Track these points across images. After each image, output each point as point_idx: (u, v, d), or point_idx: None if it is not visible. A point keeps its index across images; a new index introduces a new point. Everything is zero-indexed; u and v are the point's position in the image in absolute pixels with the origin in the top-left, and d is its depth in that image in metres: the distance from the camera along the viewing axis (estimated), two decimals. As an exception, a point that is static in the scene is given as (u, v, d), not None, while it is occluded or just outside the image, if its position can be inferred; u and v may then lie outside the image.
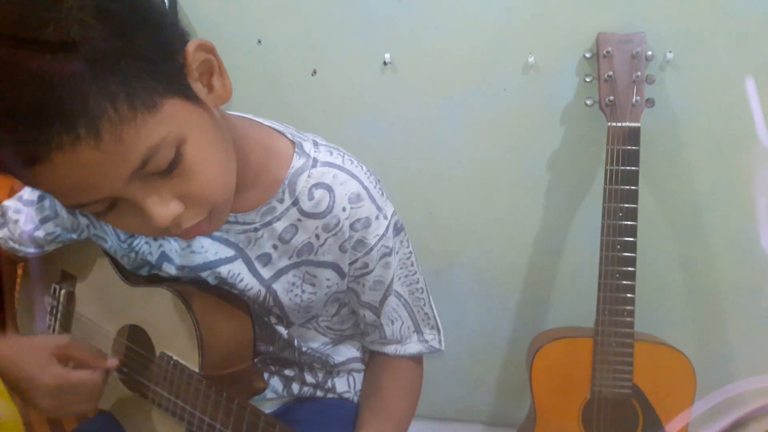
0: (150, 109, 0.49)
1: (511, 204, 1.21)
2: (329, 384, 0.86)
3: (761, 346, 1.25)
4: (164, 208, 0.54)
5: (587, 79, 1.07)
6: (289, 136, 0.71)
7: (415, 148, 1.19)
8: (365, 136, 1.19)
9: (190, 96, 0.54)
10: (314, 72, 1.17)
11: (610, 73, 1.04)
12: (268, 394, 0.83)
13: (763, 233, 1.17)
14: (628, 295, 1.04)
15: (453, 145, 1.19)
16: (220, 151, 0.57)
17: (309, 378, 0.85)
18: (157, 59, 0.51)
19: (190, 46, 0.54)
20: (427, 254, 1.27)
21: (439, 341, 0.82)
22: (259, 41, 1.17)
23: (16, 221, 0.77)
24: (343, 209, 0.70)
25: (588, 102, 1.06)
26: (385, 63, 1.15)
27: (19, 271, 0.87)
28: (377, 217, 0.71)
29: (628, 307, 1.04)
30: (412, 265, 0.79)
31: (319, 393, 0.86)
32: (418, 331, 0.81)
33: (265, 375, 0.82)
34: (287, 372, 0.83)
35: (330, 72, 1.17)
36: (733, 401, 1.28)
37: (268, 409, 0.85)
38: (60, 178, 0.49)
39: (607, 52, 1.04)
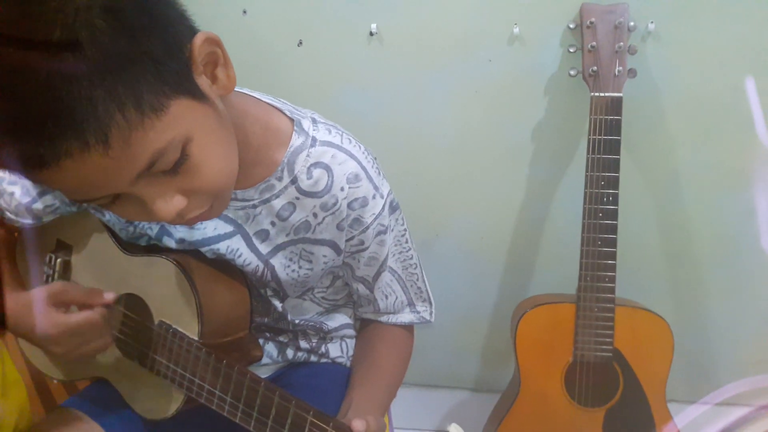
0: (157, 112, 0.49)
1: (496, 174, 1.23)
2: (323, 349, 0.88)
3: (736, 310, 1.29)
4: (168, 203, 0.55)
5: (571, 50, 1.08)
6: (287, 113, 0.71)
7: (401, 119, 1.20)
8: (351, 106, 1.20)
9: (196, 94, 0.54)
10: (300, 42, 1.17)
11: (594, 43, 1.05)
12: (264, 359, 0.85)
13: (740, 201, 1.21)
14: (610, 262, 1.06)
15: (439, 116, 1.20)
16: (223, 145, 0.58)
17: (303, 344, 0.87)
18: (165, 59, 0.50)
19: (197, 40, 0.54)
20: (413, 225, 1.26)
21: (430, 313, 0.85)
22: (245, 11, 1.16)
23: (12, 193, 0.77)
24: (342, 189, 0.71)
25: (572, 72, 1.07)
26: (371, 33, 1.15)
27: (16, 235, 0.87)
28: (374, 197, 0.73)
29: (610, 273, 1.07)
30: (407, 242, 0.81)
31: (313, 358, 0.88)
32: (411, 304, 0.84)
33: (260, 341, 0.84)
34: (281, 338, 0.85)
35: (316, 42, 1.17)
36: (732, 401, 1.33)
37: (263, 373, 0.87)
38: (67, 180, 0.49)
39: (591, 22, 1.05)
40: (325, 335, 0.88)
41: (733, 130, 1.16)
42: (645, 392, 1.11)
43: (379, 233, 0.75)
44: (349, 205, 0.72)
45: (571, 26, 1.08)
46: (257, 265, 0.75)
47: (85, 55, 0.45)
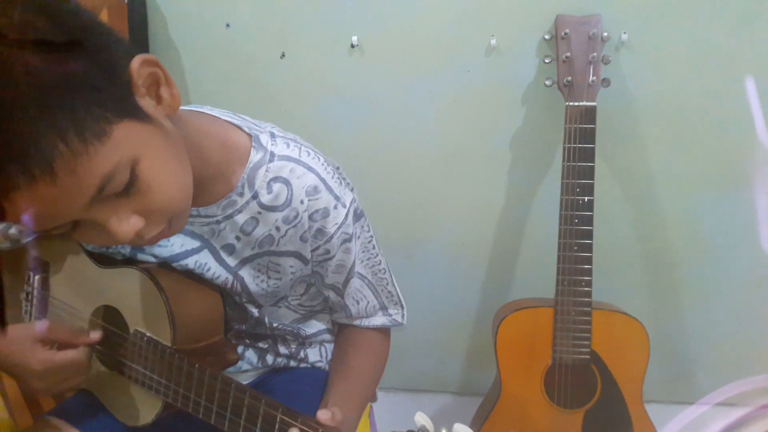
0: (100, 138, 0.50)
1: (476, 182, 1.26)
2: (302, 354, 0.90)
3: (711, 312, 1.32)
4: (125, 225, 0.56)
5: (546, 60, 1.11)
6: (245, 129, 0.72)
7: (382, 129, 1.23)
8: (334, 117, 1.22)
9: (139, 115, 0.55)
10: (283, 55, 1.20)
11: (568, 54, 1.08)
12: (244, 365, 0.87)
13: (714, 205, 1.24)
14: (586, 266, 1.09)
15: (419, 126, 1.22)
16: (173, 163, 0.59)
17: (282, 349, 0.88)
18: (102, 84, 0.51)
19: (135, 63, 0.55)
20: (396, 232, 1.31)
21: (402, 316, 0.87)
22: (228, 25, 1.18)
23: None
24: (301, 202, 0.72)
25: (547, 82, 1.10)
26: (352, 45, 1.17)
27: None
28: (335, 207, 0.74)
29: (586, 278, 1.09)
30: (374, 248, 0.83)
31: (293, 363, 0.90)
32: (383, 308, 0.86)
33: (240, 348, 0.86)
34: (261, 344, 0.87)
35: (298, 55, 1.19)
36: (733, 401, 1.35)
37: (244, 380, 0.89)
38: (19, 211, 0.50)
39: (565, 33, 1.08)
40: (303, 340, 0.89)
41: (705, 136, 1.19)
42: (622, 393, 1.14)
43: (344, 241, 0.77)
44: (310, 217, 0.73)
45: (547, 37, 1.11)
46: (226, 278, 0.76)
47: (21, 91, 0.46)
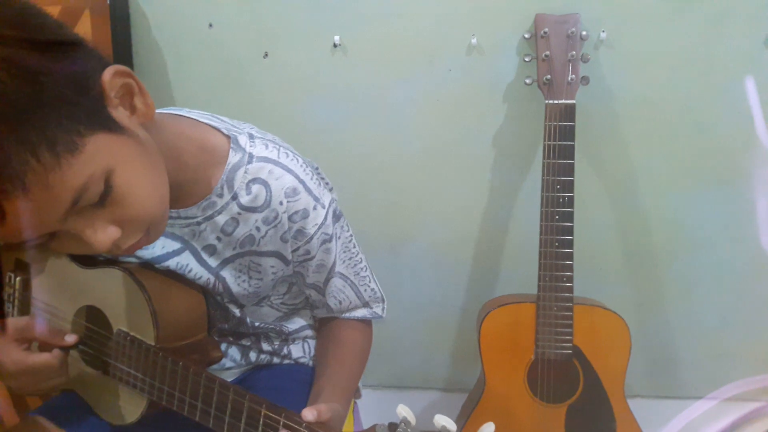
0: (73, 151, 0.50)
1: (459, 180, 1.27)
2: (285, 351, 0.91)
3: (693, 306, 1.34)
4: (102, 235, 0.56)
5: (526, 59, 1.12)
6: (224, 130, 0.72)
7: (365, 128, 1.24)
8: (317, 116, 1.23)
9: (112, 127, 0.55)
10: (266, 54, 1.20)
11: (547, 53, 1.09)
12: (227, 363, 0.87)
13: (694, 200, 1.25)
14: (567, 262, 1.10)
15: (402, 125, 1.23)
16: (148, 173, 0.59)
17: (265, 346, 0.89)
18: (74, 98, 0.51)
19: (106, 75, 0.55)
20: (381, 230, 1.32)
21: (383, 309, 0.89)
22: (210, 25, 1.19)
23: None
24: (281, 203, 0.72)
25: (527, 81, 1.11)
26: (335, 45, 1.18)
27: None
28: (315, 207, 0.74)
29: (567, 273, 1.11)
30: (354, 247, 0.84)
31: (276, 360, 0.91)
32: (366, 305, 0.87)
33: (223, 345, 0.87)
34: (244, 342, 0.88)
35: (281, 54, 1.20)
36: (733, 401, 1.37)
37: (228, 377, 0.89)
38: None
39: (545, 32, 1.09)
40: (286, 337, 0.90)
41: (685, 132, 1.21)
42: (605, 387, 1.15)
43: (324, 242, 0.77)
44: (290, 218, 0.74)
45: (527, 36, 1.12)
46: (208, 278, 0.77)
47: None
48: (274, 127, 1.21)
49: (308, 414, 0.62)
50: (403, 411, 0.58)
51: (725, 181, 1.23)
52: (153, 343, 0.71)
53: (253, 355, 0.89)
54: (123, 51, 1.17)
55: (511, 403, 1.16)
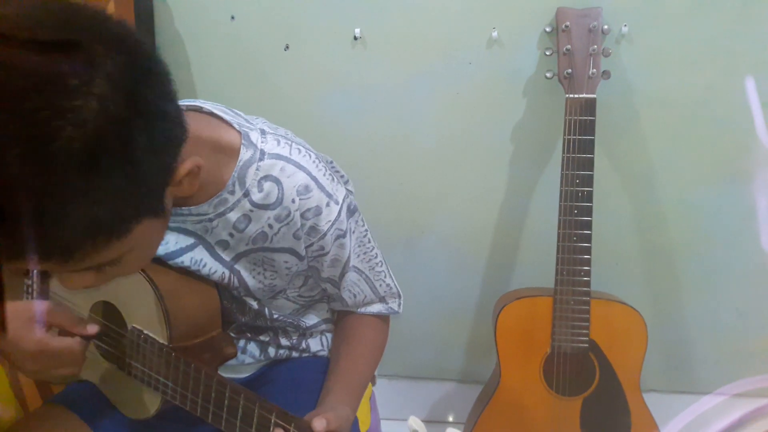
0: (121, 237, 0.50)
1: (477, 173, 1.27)
2: (303, 345, 0.91)
3: (710, 303, 1.34)
4: (78, 281, 0.56)
5: (547, 53, 1.12)
6: (236, 126, 0.71)
7: (385, 120, 1.24)
8: (336, 109, 1.24)
9: (158, 212, 0.55)
10: (287, 47, 1.21)
11: (569, 46, 1.09)
12: (246, 359, 0.88)
13: (713, 197, 1.25)
14: (585, 257, 1.11)
15: (421, 118, 1.24)
16: (154, 246, 0.60)
17: (284, 341, 0.90)
18: (155, 187, 0.52)
19: (187, 165, 0.56)
20: (398, 223, 1.33)
21: (399, 305, 0.89)
22: (233, 17, 1.20)
23: None
24: (293, 201, 0.72)
25: (548, 75, 1.11)
26: (355, 38, 1.19)
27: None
28: (328, 204, 0.74)
29: (585, 268, 1.11)
30: (369, 241, 0.83)
31: (295, 354, 0.91)
32: (382, 300, 0.87)
33: (242, 341, 0.87)
34: (262, 337, 0.88)
35: (302, 47, 1.21)
36: (733, 401, 1.37)
37: (246, 372, 0.90)
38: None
39: (566, 26, 1.09)
40: (304, 331, 0.91)
41: (705, 128, 1.20)
42: (620, 381, 1.16)
43: (338, 237, 0.77)
44: (302, 216, 0.73)
45: (548, 30, 1.12)
46: (223, 273, 0.76)
47: (68, 204, 0.45)
48: (293, 119, 1.23)
49: (317, 425, 0.63)
50: (414, 424, 0.57)
51: (744, 176, 1.23)
52: (166, 342, 0.71)
53: (272, 351, 0.89)
54: (146, 43, 1.19)
55: (526, 395, 1.17)
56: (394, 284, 0.87)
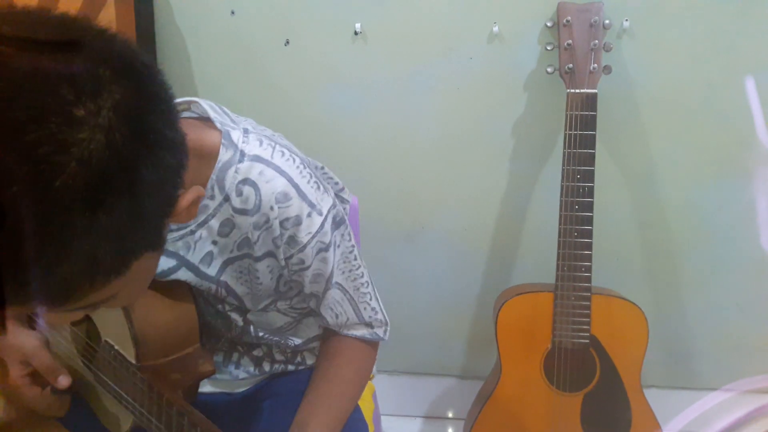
0: (119, 275, 0.47)
1: (478, 168, 1.27)
2: (299, 358, 0.88)
3: (711, 298, 1.34)
4: (68, 317, 0.55)
5: (548, 48, 1.12)
6: (218, 124, 0.67)
7: (385, 115, 1.24)
8: (337, 104, 1.24)
9: (157, 246, 0.52)
10: (287, 42, 1.21)
11: (570, 41, 1.09)
12: (241, 374, 0.85)
13: (713, 193, 1.25)
14: (586, 252, 1.11)
15: (422, 113, 1.23)
16: (149, 279, 0.57)
17: (278, 356, 0.86)
18: (157, 222, 0.49)
19: (189, 196, 0.53)
20: (398, 218, 1.33)
21: (385, 332, 0.82)
22: (233, 12, 1.19)
23: None
24: (271, 208, 0.67)
25: (549, 70, 1.11)
26: (355, 33, 1.18)
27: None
28: (309, 215, 0.68)
29: (586, 263, 1.11)
30: (356, 259, 0.76)
31: (291, 367, 0.87)
32: (367, 324, 0.80)
33: (235, 354, 0.84)
34: (255, 352, 0.85)
35: (303, 42, 1.20)
36: (733, 401, 1.37)
37: (243, 387, 0.87)
38: None
39: (567, 21, 1.09)
40: (294, 349, 0.86)
41: (706, 124, 1.20)
42: (621, 377, 1.16)
43: (320, 251, 0.71)
44: (281, 224, 0.68)
45: (549, 24, 1.11)
46: (210, 287, 0.73)
47: (70, 245, 0.42)
48: (293, 114, 1.23)
49: None
50: None
51: (745, 172, 1.23)
52: (133, 361, 0.67)
53: (267, 366, 0.86)
54: (146, 38, 1.19)
55: (526, 391, 1.17)
56: (381, 309, 0.80)
